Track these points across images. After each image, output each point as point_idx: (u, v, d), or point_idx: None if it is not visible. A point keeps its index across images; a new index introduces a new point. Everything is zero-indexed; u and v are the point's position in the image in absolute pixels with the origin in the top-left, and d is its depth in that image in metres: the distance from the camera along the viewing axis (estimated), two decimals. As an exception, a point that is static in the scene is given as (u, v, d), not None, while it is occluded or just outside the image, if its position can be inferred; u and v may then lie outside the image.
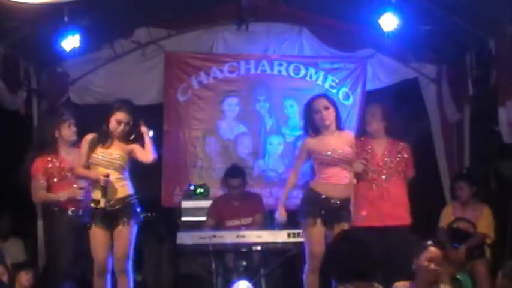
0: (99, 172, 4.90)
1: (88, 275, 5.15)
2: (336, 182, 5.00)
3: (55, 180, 5.38)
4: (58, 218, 5.34)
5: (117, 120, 4.99)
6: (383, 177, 5.30)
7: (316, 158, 5.09)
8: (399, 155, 5.39)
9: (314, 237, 4.94)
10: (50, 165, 5.39)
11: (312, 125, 5.10)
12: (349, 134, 5.24)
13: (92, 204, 4.92)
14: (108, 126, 5.00)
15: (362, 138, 5.49)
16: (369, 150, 5.38)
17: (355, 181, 5.23)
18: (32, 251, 6.59)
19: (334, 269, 3.21)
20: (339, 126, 5.11)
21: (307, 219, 5.00)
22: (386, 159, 5.32)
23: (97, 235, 4.89)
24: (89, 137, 5.03)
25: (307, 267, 4.99)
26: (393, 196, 5.28)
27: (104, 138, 4.99)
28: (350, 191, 5.09)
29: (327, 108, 5.03)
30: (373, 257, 3.15)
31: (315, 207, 4.99)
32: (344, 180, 5.02)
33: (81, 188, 5.30)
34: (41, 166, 5.40)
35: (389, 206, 5.26)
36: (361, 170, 5.22)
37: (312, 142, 5.12)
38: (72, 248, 5.25)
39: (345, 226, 4.90)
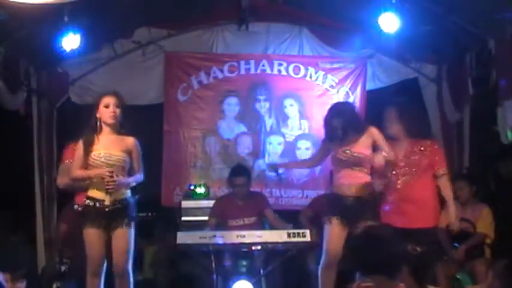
0: (101, 170, 4.69)
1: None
2: (348, 182, 5.05)
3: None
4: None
5: (105, 104, 4.78)
6: (404, 179, 5.21)
7: (331, 158, 5.20)
8: (421, 155, 5.24)
9: (329, 235, 5.05)
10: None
11: (332, 135, 5.14)
12: (368, 132, 5.10)
13: (89, 203, 4.73)
14: (96, 119, 4.79)
15: None
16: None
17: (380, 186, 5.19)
18: (32, 252, 6.58)
19: (354, 261, 3.36)
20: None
21: (324, 217, 5.13)
22: (406, 160, 5.22)
23: (92, 235, 4.71)
24: (82, 139, 4.82)
25: (321, 262, 5.10)
26: (416, 198, 5.18)
27: (94, 131, 4.77)
28: (368, 190, 5.05)
29: (344, 129, 5.05)
30: (392, 253, 3.21)
31: (332, 206, 5.11)
32: (357, 180, 5.03)
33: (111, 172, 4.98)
34: (71, 151, 5.21)
35: (412, 208, 5.17)
36: (382, 162, 5.01)
37: (327, 142, 5.24)
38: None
39: (369, 223, 4.82)
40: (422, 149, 5.19)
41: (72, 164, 4.86)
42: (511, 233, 5.87)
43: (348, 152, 5.04)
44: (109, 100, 4.79)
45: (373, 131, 5.09)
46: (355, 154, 5.04)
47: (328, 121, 5.16)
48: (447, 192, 5.20)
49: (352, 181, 5.04)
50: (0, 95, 6.01)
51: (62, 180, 5.38)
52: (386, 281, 3.22)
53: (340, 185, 5.10)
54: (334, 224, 5.03)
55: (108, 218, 4.73)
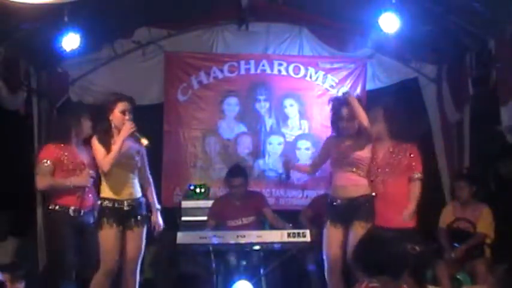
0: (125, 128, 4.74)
1: (86, 275, 5.07)
2: (343, 183, 5.03)
3: (63, 169, 5.29)
4: (60, 216, 5.26)
5: (122, 110, 4.83)
6: (383, 179, 5.26)
7: (330, 159, 5.15)
8: (401, 156, 5.31)
9: (326, 239, 5.07)
10: (60, 153, 5.31)
11: (336, 127, 5.14)
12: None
13: (107, 203, 4.79)
14: (109, 123, 4.85)
15: None
16: (372, 153, 5.33)
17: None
18: (32, 252, 6.58)
19: (359, 262, 3.43)
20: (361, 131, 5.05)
21: (324, 222, 5.14)
22: (387, 161, 5.28)
23: (111, 235, 4.77)
24: (96, 137, 4.86)
25: (325, 268, 5.11)
26: (393, 198, 5.23)
27: (108, 136, 4.81)
28: (362, 192, 5.03)
29: (349, 120, 5.04)
30: (395, 254, 3.28)
31: (327, 210, 5.12)
32: (352, 182, 5.02)
33: (91, 177, 5.19)
34: (50, 152, 5.34)
35: (389, 208, 5.21)
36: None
37: (329, 141, 5.24)
38: (74, 248, 5.23)
39: (362, 224, 4.87)
40: (402, 151, 5.26)
41: (102, 154, 4.80)
42: (511, 233, 5.88)
43: (345, 153, 5.04)
44: (125, 107, 4.87)
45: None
46: (352, 156, 5.02)
47: (336, 110, 5.11)
48: (415, 193, 5.25)
49: (347, 183, 5.03)
50: (0, 95, 6.01)
51: (43, 182, 5.38)
52: (391, 282, 3.23)
53: (335, 187, 5.10)
54: (329, 228, 5.04)
55: (125, 217, 4.83)
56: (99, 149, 4.81)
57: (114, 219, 4.78)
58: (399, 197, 5.20)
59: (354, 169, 5.04)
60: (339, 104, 5.12)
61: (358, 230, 4.79)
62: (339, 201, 5.03)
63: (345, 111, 5.07)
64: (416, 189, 5.24)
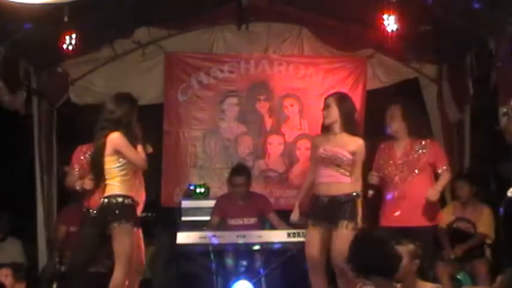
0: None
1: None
2: (325, 181, 4.90)
3: (83, 172, 5.31)
4: (85, 217, 5.24)
5: (137, 117, 4.88)
6: (401, 177, 5.23)
7: (315, 157, 5.10)
8: (420, 153, 5.27)
9: (307, 239, 4.95)
10: (85, 156, 5.33)
11: (323, 121, 5.10)
12: (355, 140, 4.93)
13: (131, 202, 4.70)
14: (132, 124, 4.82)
15: (382, 146, 5.43)
16: (387, 154, 5.31)
17: (371, 192, 5.25)
18: (32, 252, 6.59)
19: (352, 263, 3.37)
20: (348, 130, 4.94)
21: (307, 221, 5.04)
22: (405, 159, 5.24)
23: (133, 235, 4.70)
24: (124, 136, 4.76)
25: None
26: (413, 196, 5.20)
27: (136, 139, 4.78)
28: (345, 190, 4.86)
29: (327, 107, 5.00)
30: (390, 255, 3.22)
31: (310, 209, 5.00)
32: (335, 180, 4.88)
33: (91, 179, 5.08)
34: (78, 156, 5.44)
35: (408, 206, 5.17)
36: (376, 182, 5.26)
37: (315, 140, 5.17)
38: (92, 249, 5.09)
39: (344, 224, 4.74)
40: (421, 147, 5.24)
41: (141, 157, 4.78)
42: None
43: (329, 149, 4.96)
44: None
45: (361, 144, 4.96)
46: (336, 153, 4.91)
47: (327, 103, 5.05)
48: (444, 180, 5.31)
49: (331, 180, 4.89)
50: (0, 95, 6.01)
51: (67, 184, 5.50)
52: (385, 283, 3.22)
53: (318, 185, 4.94)
54: (311, 227, 4.89)
55: (137, 216, 4.83)
56: (131, 147, 4.73)
57: (135, 218, 4.75)
58: (421, 195, 5.16)
59: (339, 167, 4.93)
60: (325, 99, 5.08)
61: (343, 230, 4.69)
62: (320, 198, 4.89)
63: (326, 100, 5.03)
64: (444, 177, 5.28)
